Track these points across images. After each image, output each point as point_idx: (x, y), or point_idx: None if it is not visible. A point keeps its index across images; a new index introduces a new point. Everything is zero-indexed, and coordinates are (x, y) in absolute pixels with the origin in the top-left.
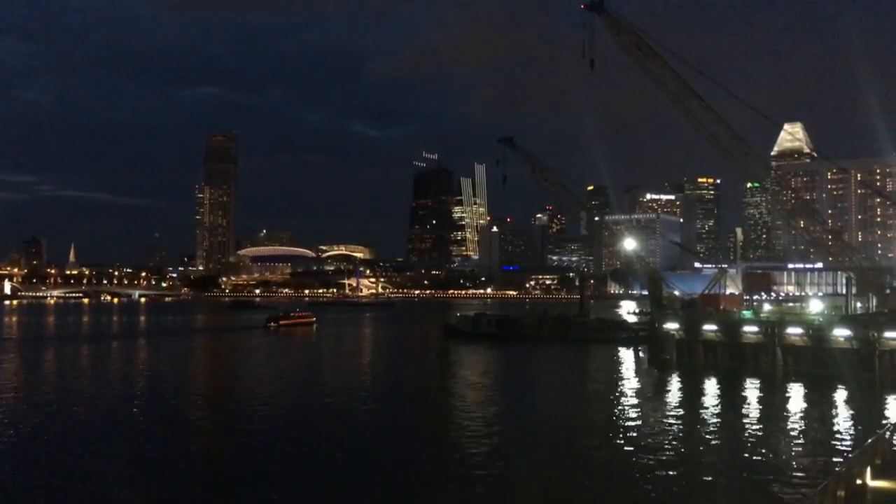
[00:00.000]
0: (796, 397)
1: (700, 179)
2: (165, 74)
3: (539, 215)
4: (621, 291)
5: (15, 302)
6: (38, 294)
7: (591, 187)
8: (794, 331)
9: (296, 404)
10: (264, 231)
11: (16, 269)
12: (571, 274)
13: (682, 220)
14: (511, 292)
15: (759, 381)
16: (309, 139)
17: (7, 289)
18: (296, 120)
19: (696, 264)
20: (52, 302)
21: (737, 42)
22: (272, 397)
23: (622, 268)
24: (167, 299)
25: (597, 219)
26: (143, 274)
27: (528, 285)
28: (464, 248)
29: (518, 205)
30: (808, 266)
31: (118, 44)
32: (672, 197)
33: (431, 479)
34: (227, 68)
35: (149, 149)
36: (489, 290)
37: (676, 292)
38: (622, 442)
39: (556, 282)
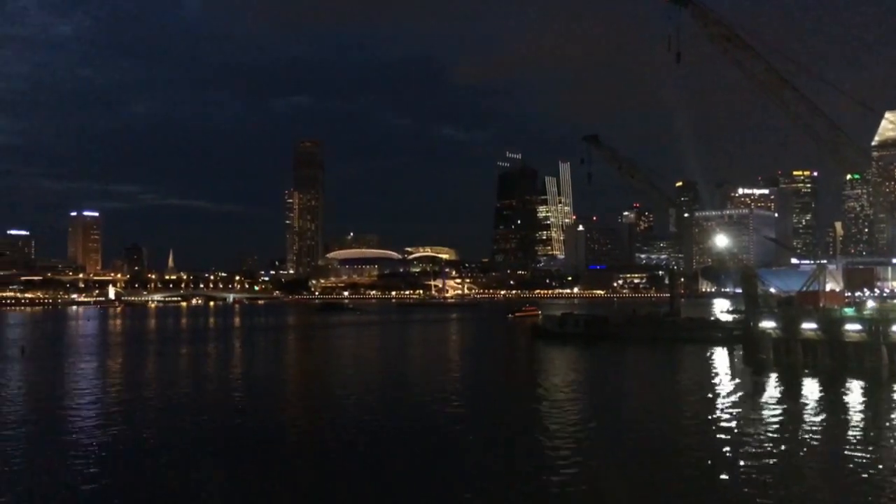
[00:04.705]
0: None
1: (795, 172)
2: (260, 85)
3: (626, 213)
4: (713, 290)
5: (119, 308)
6: (139, 298)
7: (679, 183)
8: None
9: (387, 397)
10: (352, 234)
11: (119, 275)
12: (661, 272)
13: (776, 214)
14: (598, 291)
15: (862, 382)
16: (396, 143)
17: (111, 294)
18: (383, 125)
19: (793, 260)
20: (153, 306)
21: (832, 28)
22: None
23: (714, 265)
24: (260, 302)
25: (686, 215)
26: (237, 278)
27: (615, 284)
28: (549, 247)
29: (604, 203)
30: None
31: (217, 58)
32: (766, 191)
33: (518, 469)
34: (318, 77)
35: (244, 157)
36: (576, 290)
37: (772, 290)
38: (716, 445)
39: (644, 280)
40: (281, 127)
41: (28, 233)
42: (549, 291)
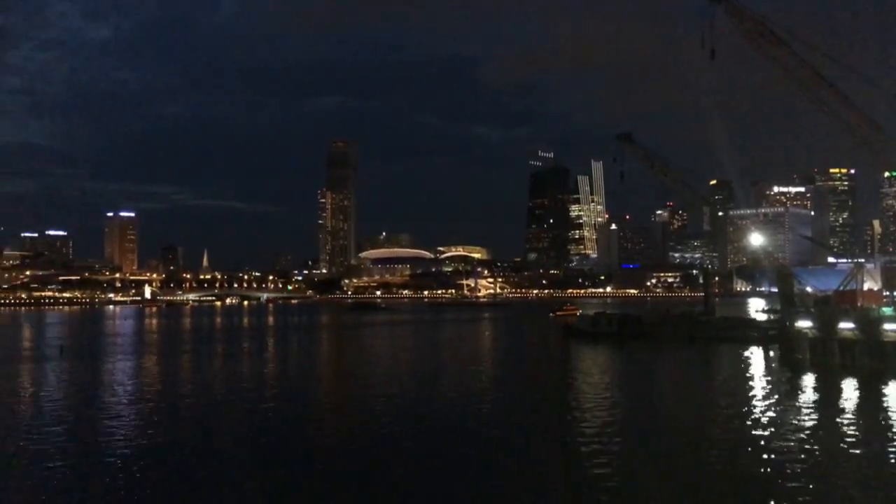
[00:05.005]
0: None
1: (832, 170)
2: (292, 86)
3: (659, 212)
4: (748, 289)
5: (155, 308)
6: (174, 298)
7: (713, 182)
8: None
9: (416, 396)
10: (384, 234)
11: (154, 275)
12: (695, 271)
13: (813, 213)
14: (631, 291)
15: None
16: (428, 143)
17: (147, 293)
18: (416, 125)
19: (830, 259)
20: (188, 305)
21: (868, 21)
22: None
23: (749, 264)
24: (293, 302)
25: (721, 214)
26: (271, 277)
27: (648, 283)
28: (582, 246)
29: (637, 201)
30: None
31: (251, 60)
32: (802, 189)
33: (546, 472)
34: (350, 78)
35: (277, 157)
36: (609, 289)
37: (808, 289)
38: (749, 445)
39: (678, 279)
40: (314, 127)
41: (66, 233)
42: (582, 291)
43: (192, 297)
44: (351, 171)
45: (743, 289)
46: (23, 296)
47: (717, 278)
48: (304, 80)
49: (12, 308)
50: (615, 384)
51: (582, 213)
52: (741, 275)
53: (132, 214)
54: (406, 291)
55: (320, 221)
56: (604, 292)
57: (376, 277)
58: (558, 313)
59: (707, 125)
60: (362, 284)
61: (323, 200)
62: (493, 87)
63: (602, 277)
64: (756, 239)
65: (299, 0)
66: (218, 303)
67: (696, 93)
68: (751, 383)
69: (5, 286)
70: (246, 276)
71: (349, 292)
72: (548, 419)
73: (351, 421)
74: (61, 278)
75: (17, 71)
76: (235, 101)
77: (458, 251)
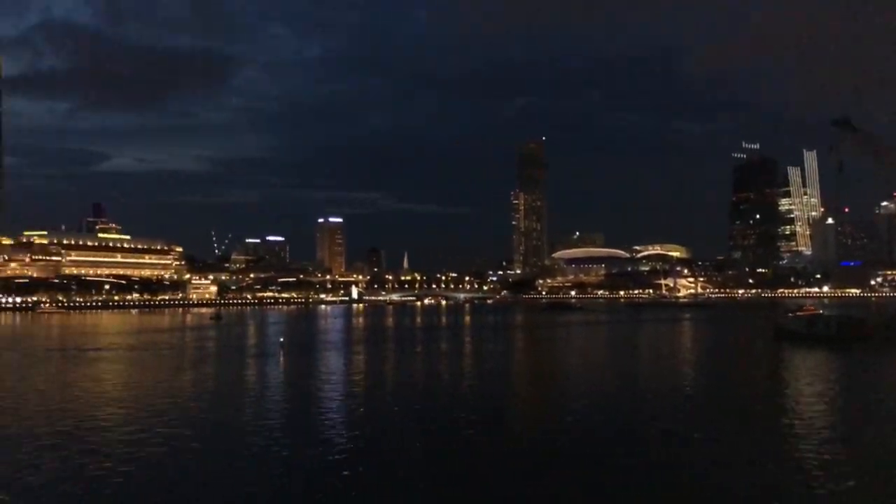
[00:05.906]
0: None
1: None
2: (487, 89)
3: (885, 203)
4: None
5: (361, 306)
6: (378, 298)
7: None
8: None
9: (610, 398)
10: (577, 234)
11: (360, 276)
12: None
13: None
14: (853, 290)
15: None
16: (620, 139)
17: (354, 293)
18: (610, 122)
19: None
20: (390, 304)
21: None
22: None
23: None
24: (488, 301)
25: None
26: (467, 278)
27: (873, 282)
28: (793, 242)
29: (858, 193)
30: None
31: (445, 66)
32: None
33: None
34: (543, 78)
35: (472, 160)
36: (825, 289)
37: None
38: None
39: None
40: (507, 128)
41: (283, 238)
42: (795, 290)
43: (394, 296)
44: (543, 171)
45: None
46: (248, 296)
47: None
48: (497, 82)
49: (240, 307)
50: (833, 392)
51: (793, 206)
52: None
53: (340, 220)
54: (601, 291)
55: (513, 222)
56: (820, 292)
57: (570, 277)
58: (798, 314)
59: None
60: (556, 285)
61: (516, 201)
62: (690, 79)
63: (818, 276)
64: None
65: (488, 4)
66: (418, 302)
67: None
68: None
69: (234, 287)
70: (443, 277)
71: (543, 292)
72: (756, 426)
73: (548, 417)
74: (280, 280)
75: (240, 91)
76: (431, 108)
77: (656, 250)
